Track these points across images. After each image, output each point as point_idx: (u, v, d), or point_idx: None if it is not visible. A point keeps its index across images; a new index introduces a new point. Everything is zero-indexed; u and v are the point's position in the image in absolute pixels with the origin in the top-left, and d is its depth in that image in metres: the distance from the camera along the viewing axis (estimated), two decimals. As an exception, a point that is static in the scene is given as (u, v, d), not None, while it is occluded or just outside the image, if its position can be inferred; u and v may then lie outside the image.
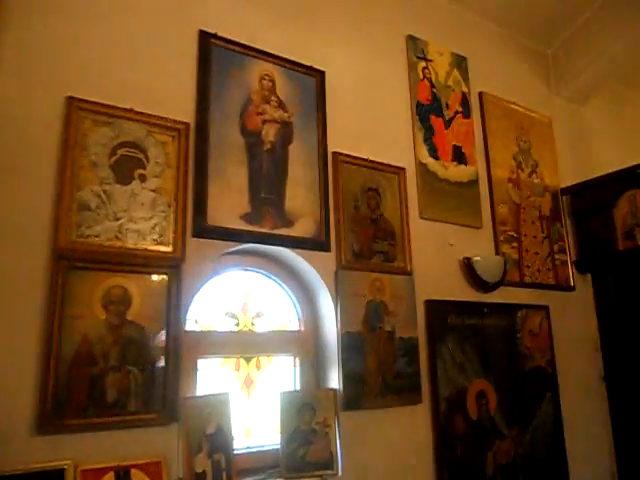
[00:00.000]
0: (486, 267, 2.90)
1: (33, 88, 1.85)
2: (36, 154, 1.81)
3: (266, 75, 2.42)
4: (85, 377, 1.76)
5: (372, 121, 2.74)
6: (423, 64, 3.04)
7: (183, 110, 2.15)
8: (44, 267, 1.75)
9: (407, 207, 2.72)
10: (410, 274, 2.64)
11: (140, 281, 1.92)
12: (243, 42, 2.36)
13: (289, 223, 2.32)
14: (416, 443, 2.48)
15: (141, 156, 2.02)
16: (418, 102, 2.94)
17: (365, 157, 2.64)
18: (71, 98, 1.90)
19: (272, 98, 2.41)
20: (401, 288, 2.58)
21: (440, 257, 2.82)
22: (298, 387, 2.35)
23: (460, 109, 3.13)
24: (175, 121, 2.11)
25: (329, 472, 2.18)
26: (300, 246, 2.33)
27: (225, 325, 2.27)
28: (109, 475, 1.71)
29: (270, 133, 2.36)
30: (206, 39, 2.27)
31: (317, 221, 2.40)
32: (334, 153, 2.53)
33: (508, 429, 2.80)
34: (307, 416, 2.23)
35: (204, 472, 1.92)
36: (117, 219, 1.91)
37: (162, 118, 2.08)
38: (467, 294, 2.87)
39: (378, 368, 2.40)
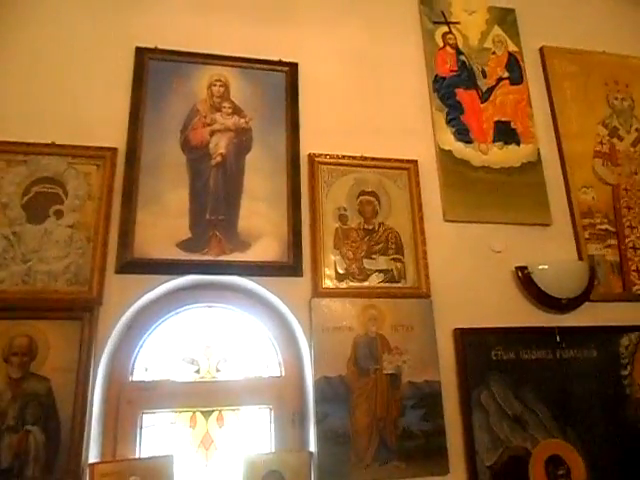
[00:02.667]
0: (556, 278, 2.07)
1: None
2: (-59, 202, 1.76)
3: (217, 81, 2.11)
4: (-23, 439, 1.59)
5: (368, 111, 2.22)
6: (444, 29, 2.40)
7: (112, 135, 1.95)
8: (-61, 320, 1.66)
9: (421, 209, 2.10)
10: (427, 297, 1.99)
11: (49, 328, 1.72)
12: (188, 50, 2.11)
13: (243, 246, 1.92)
14: (445, 530, 1.78)
15: (59, 191, 1.86)
16: (437, 76, 2.31)
17: (357, 155, 2.12)
18: (-17, 142, 1.84)
19: (224, 105, 2.08)
20: (412, 316, 1.95)
21: (480, 270, 2.10)
22: (274, 448, 1.87)
23: (506, 74, 2.39)
24: (100, 148, 1.91)
25: None
26: (260, 273, 1.91)
27: (183, 373, 1.93)
28: None
29: (221, 144, 2.03)
30: (143, 55, 2.06)
31: (283, 241, 1.95)
32: (310, 155, 2.08)
33: (611, 514, 1.89)
34: (274, 488, 1.75)
35: None
36: (25, 261, 1.75)
37: (86, 147, 1.91)
38: (527, 318, 2.07)
39: (373, 425, 1.80)
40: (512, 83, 2.38)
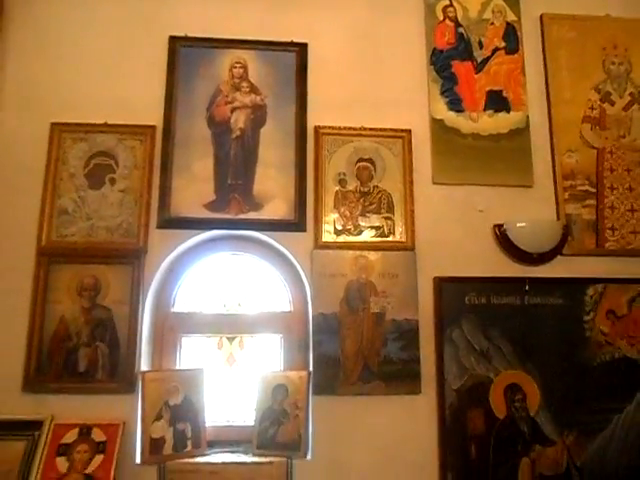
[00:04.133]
0: (531, 234, 2.36)
1: (23, 118, 2.32)
2: (25, 172, 2.28)
3: (237, 63, 2.46)
4: (61, 350, 2.17)
5: (369, 85, 2.50)
6: (445, 2, 2.59)
7: (151, 115, 2.37)
8: (30, 263, 2.21)
9: (412, 174, 2.41)
10: (412, 249, 2.35)
11: (108, 271, 2.25)
12: (212, 36, 2.45)
13: (258, 206, 2.34)
14: (415, 438, 2.23)
15: (111, 162, 2.33)
16: (435, 49, 2.54)
17: (358, 126, 2.44)
18: (54, 124, 2.32)
19: (243, 84, 2.44)
20: (397, 266, 2.33)
21: (463, 228, 2.41)
22: (282, 367, 2.37)
23: (502, 44, 2.57)
24: (143, 126, 2.35)
25: (295, 453, 2.18)
26: (271, 228, 2.33)
27: (212, 307, 2.43)
28: (75, 430, 2.08)
29: (240, 120, 2.41)
30: (175, 43, 2.44)
31: (290, 202, 2.35)
32: (316, 127, 2.42)
33: (559, 434, 2.26)
34: (280, 397, 2.26)
35: (162, 438, 2.15)
36: (89, 219, 2.27)
37: (131, 126, 2.35)
38: (503, 269, 2.39)
39: (359, 352, 2.24)
40: (507, 52, 2.56)
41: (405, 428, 2.23)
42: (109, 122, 2.35)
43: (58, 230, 2.25)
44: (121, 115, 2.36)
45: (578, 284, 2.39)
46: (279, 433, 2.22)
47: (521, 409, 2.27)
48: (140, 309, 2.23)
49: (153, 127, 2.35)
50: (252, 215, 2.33)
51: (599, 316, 2.37)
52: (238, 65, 2.45)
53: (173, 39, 2.44)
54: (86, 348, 2.18)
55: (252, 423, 2.25)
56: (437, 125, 2.47)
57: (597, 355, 2.34)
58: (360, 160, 2.42)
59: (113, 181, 2.31)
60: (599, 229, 2.45)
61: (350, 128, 2.43)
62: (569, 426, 2.27)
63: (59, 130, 2.32)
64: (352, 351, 2.25)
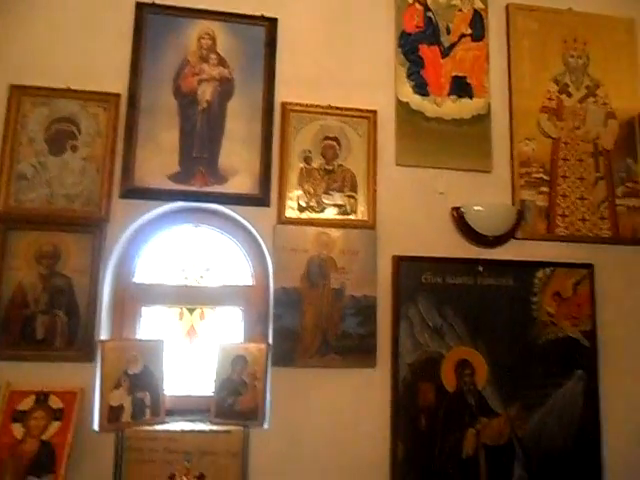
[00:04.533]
0: (486, 218, 2.45)
1: (-19, 81, 2.25)
2: (-18, 136, 2.22)
3: (206, 34, 2.43)
4: (18, 317, 2.15)
5: (338, 64, 2.51)
6: (416, -15, 2.63)
7: (115, 83, 2.32)
8: (-13, 228, 2.17)
9: (376, 154, 2.46)
10: (373, 228, 2.41)
11: (69, 239, 2.22)
12: (181, 5, 2.42)
13: (222, 180, 2.35)
14: (369, 409, 2.32)
15: (73, 129, 2.28)
16: (403, 32, 2.57)
17: (325, 104, 2.46)
18: (14, 86, 2.25)
19: (211, 56, 2.42)
20: (357, 243, 2.39)
21: (423, 209, 2.49)
22: (242, 339, 2.41)
23: (468, 31, 2.63)
24: (107, 94, 2.31)
25: (253, 422, 2.24)
26: (235, 202, 2.35)
27: (174, 278, 2.45)
28: (31, 397, 2.08)
29: (207, 92, 2.39)
30: (142, 10, 2.39)
31: (255, 176, 2.37)
32: (283, 104, 2.43)
33: (504, 407, 2.39)
34: (239, 367, 2.31)
35: (121, 406, 2.17)
36: (49, 186, 2.23)
37: (95, 92, 2.30)
38: (459, 250, 2.48)
39: (317, 326, 2.31)
40: (473, 40, 2.63)
41: (360, 400, 2.32)
42: (72, 87, 2.29)
43: (16, 196, 2.20)
44: (85, 81, 2.31)
45: (528, 267, 2.51)
46: (237, 403, 2.27)
47: (469, 383, 2.39)
48: (100, 278, 2.22)
49: (118, 95, 2.32)
50: (216, 188, 2.34)
51: (546, 298, 2.50)
52: (207, 36, 2.43)
53: (140, 5, 2.39)
54: (44, 316, 2.17)
55: (211, 393, 2.30)
56: (402, 107, 2.52)
57: (542, 334, 2.47)
58: (326, 138, 2.45)
59: (75, 148, 2.28)
60: (550, 215, 2.57)
61: (317, 106, 2.46)
62: (513, 400, 2.40)
63: (19, 93, 2.25)
64: (311, 325, 2.31)
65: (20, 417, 2.04)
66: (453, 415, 2.35)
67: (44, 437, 2.02)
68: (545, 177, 2.59)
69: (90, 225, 2.24)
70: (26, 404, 2.06)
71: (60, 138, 2.27)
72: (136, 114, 2.32)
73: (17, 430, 2.02)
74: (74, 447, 2.04)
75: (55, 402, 2.08)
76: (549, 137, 2.63)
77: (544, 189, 2.58)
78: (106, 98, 2.31)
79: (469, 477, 2.32)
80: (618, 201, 2.63)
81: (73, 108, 2.29)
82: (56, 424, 2.05)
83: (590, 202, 2.61)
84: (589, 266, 2.55)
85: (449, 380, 2.37)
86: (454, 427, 2.35)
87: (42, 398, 2.08)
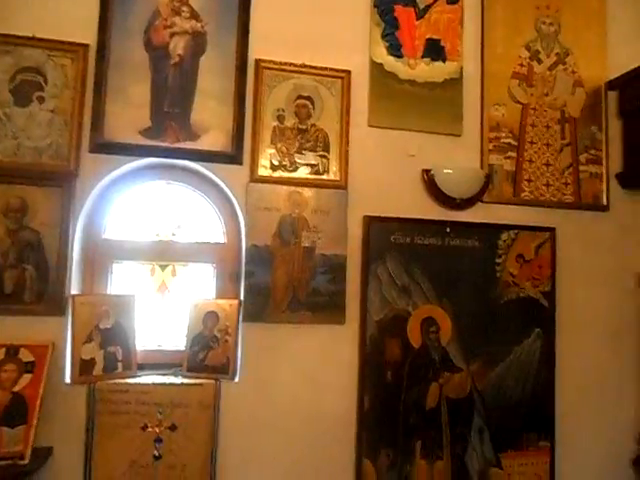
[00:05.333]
0: (456, 181, 2.51)
1: (-59, 26, 2.16)
2: (-57, 84, 2.14)
3: (178, -15, 2.37)
4: (-14, 271, 2.13)
5: (313, 22, 2.49)
6: (393, -56, 2.60)
7: (84, 33, 2.26)
8: (-49, 180, 2.12)
9: (349, 115, 2.47)
10: (344, 188, 2.45)
11: (37, 193, 2.19)
12: (152, -47, 2.34)
13: (194, 136, 2.33)
14: (337, 364, 2.40)
15: (40, 79, 2.22)
16: (379, -9, 2.56)
17: (299, 62, 2.45)
18: (-25, 33, 2.17)
19: (183, 9, 2.37)
20: (329, 203, 2.42)
21: (394, 170, 2.53)
22: (214, 296, 2.44)
23: (444, -7, 2.63)
24: (75, 44, 2.24)
25: (224, 376, 2.29)
26: (207, 159, 2.34)
27: (146, 235, 2.44)
28: (1, 350, 2.08)
29: (179, 46, 2.35)
30: (111, -43, 2.31)
31: (228, 134, 2.36)
32: (257, 60, 2.41)
33: (466, 362, 2.50)
34: (210, 323, 2.35)
35: (93, 359, 2.20)
36: (15, 138, 2.18)
37: (62, 42, 2.23)
38: (428, 212, 2.54)
39: (288, 283, 2.35)
40: (448, 2, 2.63)
41: (329, 354, 2.39)
42: (38, 36, 2.22)
43: (-19, 147, 2.15)
44: (51, 30, 2.23)
45: (494, 229, 2.59)
46: (209, 357, 2.32)
47: (434, 340, 2.49)
48: (70, 233, 2.20)
49: (86, 46, 2.25)
50: (188, 145, 2.32)
51: (509, 259, 2.60)
52: (179, -13, 2.37)
53: (109, -48, 2.31)
54: (12, 270, 2.15)
55: (182, 348, 2.34)
56: (376, 69, 2.53)
57: (504, 294, 2.58)
58: (299, 97, 2.45)
59: (42, 99, 2.22)
60: (517, 180, 2.64)
61: (291, 64, 2.44)
62: (475, 356, 2.52)
63: (-20, 41, 2.18)
64: (282, 282, 2.35)
65: (-10, 370, 2.05)
66: (418, 370, 2.46)
67: (15, 389, 2.03)
68: (513, 142, 2.65)
69: (59, 179, 2.20)
70: (-4, 357, 2.07)
71: (26, 89, 2.20)
72: (105, 66, 2.26)
73: (-13, 382, 2.03)
74: (46, 399, 2.05)
75: (26, 355, 2.08)
76: (519, 103, 2.68)
77: (512, 154, 2.65)
78: (74, 49, 2.24)
79: (431, 427, 2.44)
80: (581, 168, 2.72)
81: (39, 58, 2.22)
82: (27, 376, 2.06)
83: (555, 168, 2.69)
84: (551, 230, 2.65)
85: (415, 336, 2.46)
86: (418, 381, 2.45)
87: (12, 351, 2.08)
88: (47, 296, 2.17)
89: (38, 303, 2.16)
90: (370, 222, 2.45)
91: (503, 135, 2.64)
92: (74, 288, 2.24)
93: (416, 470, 2.42)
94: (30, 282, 2.16)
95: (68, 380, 2.16)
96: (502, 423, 2.53)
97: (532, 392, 2.58)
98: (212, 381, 2.27)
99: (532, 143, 2.67)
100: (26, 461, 1.94)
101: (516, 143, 2.65)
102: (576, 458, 2.65)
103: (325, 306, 2.38)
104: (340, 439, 2.37)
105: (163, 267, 2.45)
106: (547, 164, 2.68)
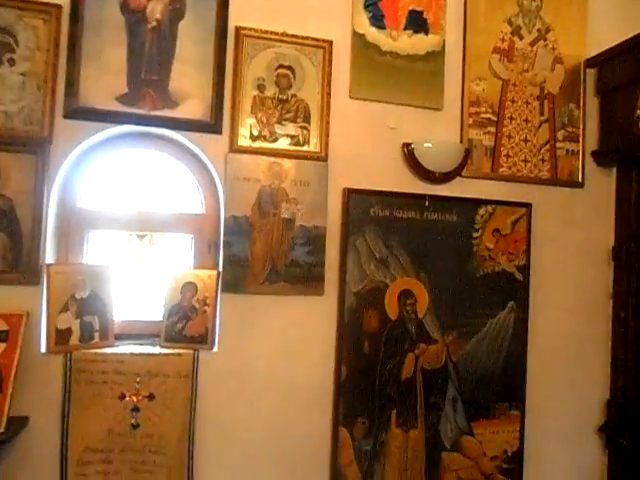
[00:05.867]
0: (435, 155, 2.52)
1: None
2: None
3: (155, -54, 2.29)
4: (-43, 238, 2.08)
5: (296, -11, 2.45)
6: None
7: (57, -8, 2.18)
8: None
9: (330, 86, 2.45)
10: (325, 160, 2.44)
11: (9, 159, 2.13)
12: None
13: (173, 104, 2.29)
14: (315, 334, 2.42)
15: (10, 40, 2.14)
16: (363, -40, 2.52)
17: (281, 31, 2.41)
18: (-58, -11, 2.08)
19: (161, -29, 2.30)
20: (309, 175, 2.41)
21: (374, 143, 2.53)
22: (192, 267, 2.43)
23: (427, -36, 2.60)
24: (46, 4, 2.16)
25: (202, 346, 2.30)
26: (186, 128, 2.30)
27: (122, 204, 2.40)
28: (-26, 319, 2.05)
29: (157, 10, 2.28)
30: None
31: (207, 102, 2.31)
32: (237, 28, 2.36)
33: (442, 334, 2.55)
34: (189, 294, 2.34)
35: (69, 329, 2.17)
36: (-16, 102, 2.11)
37: (33, 2, 2.15)
38: (407, 185, 2.55)
39: (267, 254, 2.35)
40: (432, -27, 2.60)
41: (307, 326, 2.41)
42: (7, -5, 2.13)
43: (-51, 111, 2.07)
44: (21, -12, 2.15)
45: (472, 204, 2.62)
46: (187, 328, 2.31)
47: (411, 312, 2.52)
48: (45, 201, 2.15)
49: (59, 6, 2.17)
50: (167, 113, 2.28)
51: (486, 234, 2.63)
52: (156, -52, 2.29)
53: None
54: (-17, 238, 2.10)
55: (160, 318, 2.33)
56: (358, 39, 2.50)
57: (481, 268, 2.62)
58: (280, 67, 2.41)
59: (12, 62, 2.14)
60: (495, 155, 2.67)
61: (272, 32, 2.39)
62: (451, 328, 2.57)
63: (-53, -2, 2.08)
64: (261, 253, 2.35)
65: (-38, 338, 2.01)
66: (394, 341, 2.49)
67: (-11, 358, 2.01)
68: (493, 117, 2.67)
69: (32, 145, 2.14)
70: (-32, 326, 2.03)
71: (-5, 50, 2.13)
72: (79, 28, 2.19)
73: (-40, 351, 2.00)
74: (22, 369, 2.03)
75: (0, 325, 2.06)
76: (499, 78, 2.69)
77: (491, 129, 2.66)
78: (46, 9, 2.16)
79: (407, 397, 2.50)
80: (558, 144, 2.76)
81: (9, 18, 2.14)
82: (1, 345, 2.03)
83: (532, 144, 2.72)
84: (527, 205, 2.69)
85: (392, 308, 2.50)
86: (395, 352, 2.49)
87: (-15, 320, 2.05)
88: (21, 265, 2.13)
89: (12, 272, 2.12)
90: (350, 194, 2.45)
91: (483, 110, 2.65)
92: (49, 257, 2.20)
93: (391, 438, 2.48)
94: (3, 250, 2.12)
95: (44, 349, 2.13)
96: (475, 393, 2.60)
97: (504, 363, 2.64)
98: (190, 351, 2.27)
99: (511, 119, 2.69)
100: (1, 430, 1.92)
101: (495, 118, 2.67)
102: (545, 426, 2.74)
103: (304, 277, 2.39)
104: (317, 408, 2.41)
105: (141, 237, 2.42)
106: (525, 140, 2.71)
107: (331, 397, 2.43)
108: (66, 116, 2.18)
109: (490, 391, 2.63)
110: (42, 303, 2.14)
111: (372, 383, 2.46)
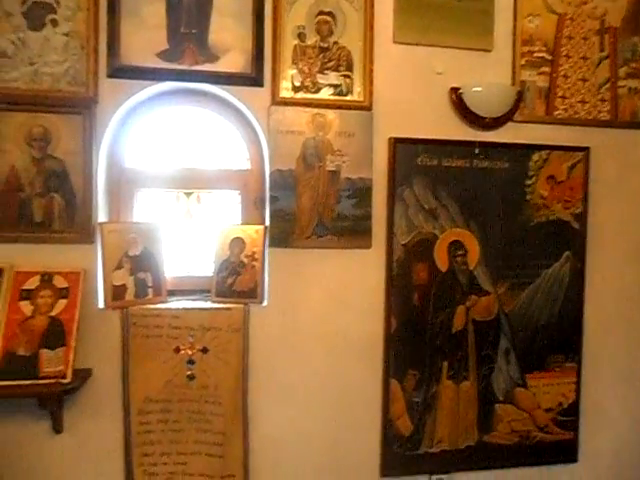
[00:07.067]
0: (485, 99, 2.40)
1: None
2: (-45, 9, 2.08)
3: None
4: (15, 200, 2.13)
5: None
6: None
7: (93, -52, 2.16)
8: (-28, 109, 2.10)
9: (372, 31, 2.35)
10: (369, 109, 2.36)
11: (58, 121, 2.16)
12: None
13: (213, 58, 2.25)
14: (364, 287, 2.40)
15: (51, 1, 2.14)
16: None
17: (319, -25, 2.31)
18: (-17, -48, 2.09)
19: None
20: (354, 125, 2.35)
21: (420, 89, 2.42)
22: (240, 223, 2.44)
23: None
24: (84, -39, 2.15)
25: (252, 300, 2.33)
26: (227, 82, 2.27)
27: (169, 162, 2.42)
28: (36, 277, 2.12)
29: (193, -40, 2.23)
30: None
31: (247, 54, 2.27)
32: (275, -25, 2.28)
33: (493, 286, 2.49)
34: (237, 249, 2.36)
35: (124, 285, 2.24)
36: (32, 64, 2.13)
37: (71, -40, 2.14)
38: (456, 133, 2.45)
39: (313, 208, 2.33)
40: None
41: (355, 279, 2.40)
42: (46, -46, 2.13)
43: (-1, 75, 2.11)
44: (60, -53, 2.13)
45: (525, 150, 2.50)
46: (237, 282, 2.34)
47: (462, 263, 2.46)
48: (94, 162, 2.19)
49: (96, -37, 2.16)
50: (207, 67, 2.25)
51: (540, 181, 2.52)
52: None
53: None
54: (40, 199, 2.16)
55: (210, 274, 2.37)
56: (402, -21, 2.38)
57: (534, 217, 2.52)
58: (320, 13, 2.32)
59: (55, 23, 2.15)
60: (550, 97, 2.51)
61: (312, -23, 2.31)
62: (502, 279, 2.50)
63: (-11, -38, 2.09)
64: (307, 207, 2.33)
65: (27, 296, 2.10)
66: (444, 293, 2.45)
67: (52, 313, 2.09)
68: (547, 56, 2.50)
69: (79, 106, 2.16)
70: (32, 283, 2.11)
71: (38, 11, 2.13)
72: (118, -16, 2.17)
73: (26, 307, 2.09)
74: (82, 324, 2.12)
75: (60, 282, 2.13)
76: (554, 13, 2.50)
77: (545, 69, 2.50)
78: (84, -33, 2.15)
79: (458, 349, 2.47)
80: (620, 82, 2.57)
81: (49, -22, 2.14)
82: (63, 302, 2.11)
83: (591, 83, 2.54)
84: (585, 149, 2.54)
85: (442, 260, 2.44)
86: (445, 304, 2.45)
87: (47, 278, 2.13)
88: (76, 224, 2.19)
89: (67, 231, 2.18)
90: (396, 144, 2.38)
91: (537, 49, 2.49)
92: (101, 216, 2.25)
93: (442, 390, 2.47)
94: (59, 211, 2.18)
95: (101, 305, 2.21)
96: (529, 345, 2.54)
97: (560, 315, 2.57)
98: (241, 305, 2.30)
99: (568, 57, 2.52)
100: (68, 380, 2.03)
101: (550, 57, 2.50)
102: (602, 378, 2.67)
103: (351, 231, 2.36)
104: (367, 360, 2.42)
105: (188, 194, 2.44)
106: (583, 79, 2.54)
107: (381, 349, 2.42)
108: (109, 75, 2.19)
109: (544, 343, 2.56)
110: (97, 261, 2.21)
111: (422, 335, 2.44)
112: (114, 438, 2.21)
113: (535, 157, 2.50)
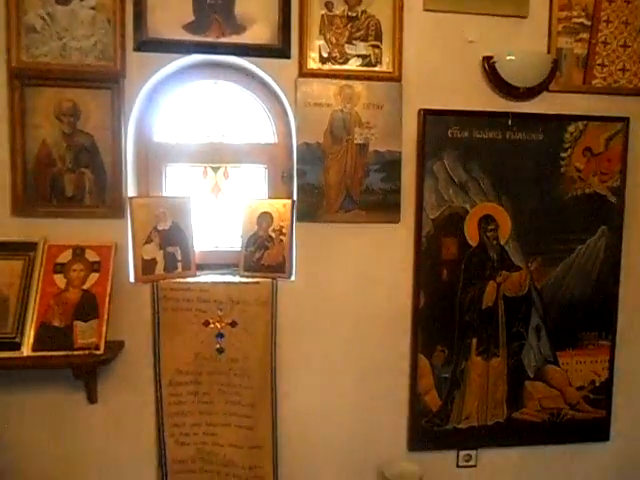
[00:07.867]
0: (519, 68, 2.31)
1: None
2: (-16, -16, 2.09)
3: None
4: (46, 175, 2.17)
5: None
6: None
7: None
8: (3, 85, 2.12)
9: (403, -3, 2.29)
10: (398, 80, 2.30)
11: (87, 95, 2.17)
12: None
13: (240, 29, 2.22)
14: (392, 262, 2.38)
15: (78, -26, 2.14)
16: None
17: (347, -60, 2.24)
18: None
19: None
20: (382, 97, 2.30)
21: (451, 59, 2.35)
22: (268, 197, 2.43)
23: None
24: None
25: (280, 275, 2.33)
26: (254, 54, 2.24)
27: (196, 136, 2.42)
28: (68, 251, 2.16)
29: None
30: None
31: (274, 25, 2.23)
32: (302, -59, 2.22)
33: (525, 261, 2.43)
34: (265, 224, 2.36)
35: (154, 259, 2.27)
36: (60, 38, 2.14)
37: None
38: (488, 103, 2.38)
39: (341, 182, 2.30)
40: None
41: (383, 253, 2.37)
42: None
43: (28, 50, 2.12)
44: None
45: (560, 121, 2.41)
46: (265, 257, 2.34)
47: (492, 238, 2.41)
48: (123, 136, 2.19)
49: None
50: (234, 39, 2.22)
51: (576, 153, 2.43)
52: None
53: None
54: (71, 174, 2.19)
55: (239, 248, 2.37)
56: (433, -57, 2.29)
57: (569, 190, 2.44)
58: (349, -20, 2.27)
59: (82, -4, 2.15)
60: (588, 65, 2.41)
61: (339, -57, 2.24)
62: (535, 254, 2.44)
63: (17, -64, 2.09)
64: (335, 181, 2.30)
65: (60, 269, 2.14)
66: (475, 268, 2.41)
67: (85, 287, 2.13)
68: (586, 22, 2.39)
69: (107, 80, 2.17)
70: (64, 257, 2.15)
71: (65, -16, 2.13)
72: (143, -44, 2.15)
73: (59, 280, 2.13)
74: (114, 297, 2.15)
75: (91, 255, 2.17)
76: (594, -25, 2.38)
77: (584, 36, 2.39)
78: (109, -61, 2.13)
79: (488, 325, 2.43)
80: (664, 48, 2.44)
81: (75, -48, 2.12)
82: (95, 275, 2.15)
83: (633, 50, 2.43)
84: (624, 120, 2.44)
85: (472, 235, 2.40)
86: (475, 279, 2.41)
87: (79, 252, 2.17)
88: (106, 199, 2.21)
89: (98, 206, 2.21)
90: (426, 116, 2.32)
91: (575, 14, 2.38)
92: (130, 191, 2.27)
93: (471, 366, 2.45)
94: (89, 185, 2.20)
95: (132, 279, 2.24)
96: (561, 322, 2.49)
97: (594, 292, 2.50)
98: (269, 280, 2.31)
99: (608, 22, 2.40)
100: (101, 351, 2.07)
101: (589, 23, 2.39)
102: (637, 357, 2.60)
103: (379, 205, 2.33)
104: (396, 335, 2.41)
105: (215, 169, 2.44)
106: (624, 46, 2.42)
107: (409, 324, 2.41)
108: (136, 49, 2.18)
109: (577, 320, 2.50)
110: (128, 235, 2.23)
111: (451, 311, 2.41)
112: (146, 409, 2.27)
113: (571, 128, 2.41)
